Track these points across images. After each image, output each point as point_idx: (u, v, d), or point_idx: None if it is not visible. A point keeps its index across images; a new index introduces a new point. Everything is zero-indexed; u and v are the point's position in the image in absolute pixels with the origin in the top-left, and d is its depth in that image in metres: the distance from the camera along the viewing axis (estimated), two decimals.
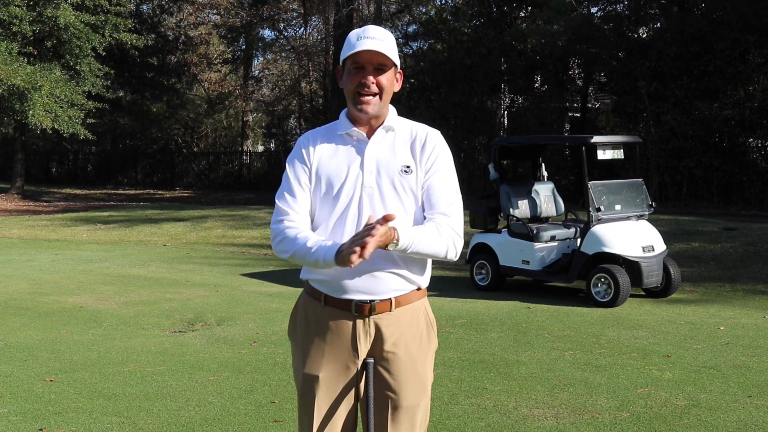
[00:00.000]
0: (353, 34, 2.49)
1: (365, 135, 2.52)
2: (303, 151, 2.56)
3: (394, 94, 2.57)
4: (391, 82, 2.51)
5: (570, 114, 24.43)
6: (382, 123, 2.54)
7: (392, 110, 2.57)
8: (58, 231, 16.61)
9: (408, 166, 2.50)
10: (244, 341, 6.65)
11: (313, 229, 2.53)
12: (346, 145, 2.53)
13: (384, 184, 2.48)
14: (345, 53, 2.47)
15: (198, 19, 36.83)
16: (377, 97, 2.47)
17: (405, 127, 2.58)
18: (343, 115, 2.58)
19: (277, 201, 2.55)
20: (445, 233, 2.46)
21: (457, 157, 21.44)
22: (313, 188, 2.53)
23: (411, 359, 2.52)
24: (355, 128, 2.52)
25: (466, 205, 10.58)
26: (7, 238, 15.42)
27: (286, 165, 2.59)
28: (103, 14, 23.64)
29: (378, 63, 2.46)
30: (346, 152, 2.52)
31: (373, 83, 2.45)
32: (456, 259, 2.53)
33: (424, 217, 2.50)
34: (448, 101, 22.46)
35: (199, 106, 36.39)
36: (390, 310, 2.50)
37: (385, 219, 2.26)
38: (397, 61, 2.50)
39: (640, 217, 8.79)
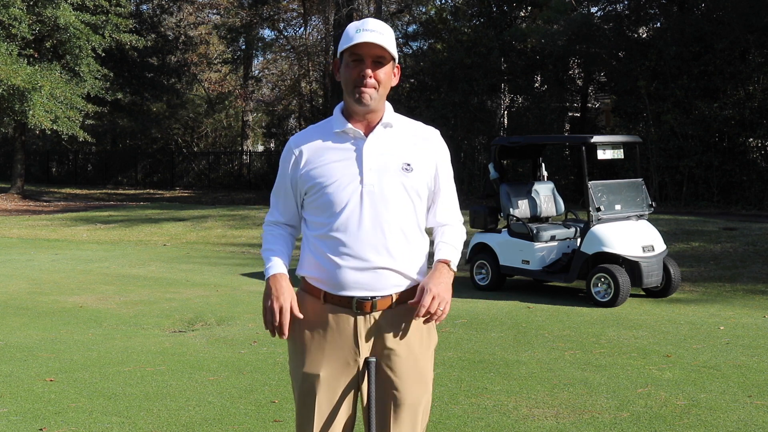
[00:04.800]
0: (352, 26, 2.46)
1: (362, 132, 2.50)
2: (290, 155, 2.56)
3: (394, 93, 2.57)
4: (389, 76, 2.48)
5: (570, 114, 24.43)
6: (380, 120, 2.51)
7: (389, 107, 2.55)
8: (58, 231, 16.61)
9: (408, 164, 2.49)
10: (244, 341, 6.65)
11: (312, 229, 2.54)
12: (343, 143, 2.50)
13: (385, 182, 2.46)
14: (343, 45, 2.44)
15: (198, 19, 36.86)
16: (375, 89, 2.45)
17: (404, 124, 2.57)
18: (337, 111, 2.54)
19: (271, 197, 2.69)
20: (461, 230, 2.65)
21: (457, 157, 21.47)
22: (306, 190, 2.52)
23: (412, 356, 2.52)
24: (350, 125, 2.49)
25: (467, 205, 10.60)
26: (7, 238, 15.41)
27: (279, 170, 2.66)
28: (104, 14, 23.64)
29: (377, 56, 2.43)
30: (342, 150, 2.49)
31: (371, 77, 2.43)
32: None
33: (426, 212, 2.59)
34: (448, 101, 22.45)
35: (199, 106, 36.38)
36: (391, 307, 2.49)
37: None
38: (396, 55, 2.48)
39: (640, 216, 8.79)
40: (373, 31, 2.41)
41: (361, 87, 2.43)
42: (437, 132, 2.60)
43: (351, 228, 2.45)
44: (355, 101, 2.45)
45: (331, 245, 2.47)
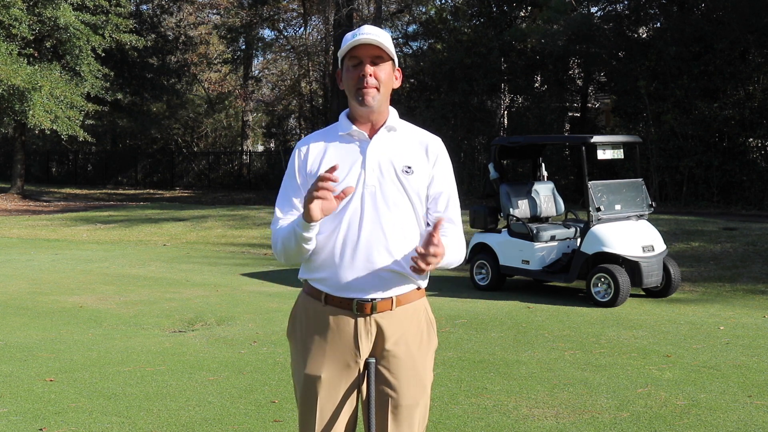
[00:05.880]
0: (349, 33, 2.54)
1: (366, 135, 2.54)
2: (297, 158, 2.60)
3: (395, 93, 2.60)
4: (390, 77, 2.53)
5: (570, 114, 24.44)
6: (384, 123, 2.56)
7: (393, 112, 2.60)
8: (58, 231, 16.61)
9: (409, 167, 2.52)
10: (244, 341, 6.65)
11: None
12: (348, 144, 2.55)
13: (386, 183, 2.50)
14: (342, 50, 2.52)
15: (198, 19, 36.84)
16: (377, 89, 2.49)
17: (407, 129, 2.62)
18: (343, 116, 2.60)
19: (275, 207, 2.64)
20: (460, 244, 2.59)
21: (457, 157, 21.48)
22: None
23: (411, 358, 2.53)
24: (355, 128, 2.54)
25: (467, 205, 10.61)
26: (7, 238, 15.41)
27: (286, 171, 2.66)
28: (104, 14, 23.63)
29: (374, 56, 2.49)
30: (347, 151, 2.54)
31: (371, 75, 2.48)
32: (460, 263, 2.64)
33: (427, 224, 2.58)
34: (448, 101, 22.46)
35: (199, 106, 36.40)
36: (391, 309, 2.51)
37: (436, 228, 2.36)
38: (394, 56, 2.54)
39: (640, 216, 8.79)
40: (369, 34, 2.48)
41: (362, 89, 2.48)
42: (440, 141, 2.64)
43: (352, 228, 2.48)
44: (359, 103, 2.50)
45: (333, 246, 2.49)
